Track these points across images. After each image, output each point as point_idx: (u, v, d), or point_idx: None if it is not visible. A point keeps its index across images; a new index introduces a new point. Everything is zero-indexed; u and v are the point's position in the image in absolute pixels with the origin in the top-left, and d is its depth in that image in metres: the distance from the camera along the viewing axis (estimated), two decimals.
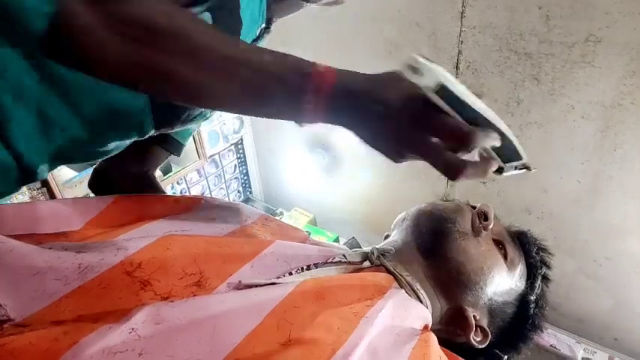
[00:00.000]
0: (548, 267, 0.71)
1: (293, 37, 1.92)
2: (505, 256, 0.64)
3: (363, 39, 1.77)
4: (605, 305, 1.78)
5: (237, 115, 2.33)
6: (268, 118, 0.49)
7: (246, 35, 0.66)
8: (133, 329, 0.35)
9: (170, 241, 0.45)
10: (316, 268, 0.53)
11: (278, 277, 0.48)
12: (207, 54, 0.45)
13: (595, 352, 1.77)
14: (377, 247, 0.61)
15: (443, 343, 0.56)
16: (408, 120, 0.44)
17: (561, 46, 1.37)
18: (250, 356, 0.37)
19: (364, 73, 0.48)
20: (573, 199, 1.62)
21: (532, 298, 0.68)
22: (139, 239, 0.45)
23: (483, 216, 0.65)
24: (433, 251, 0.60)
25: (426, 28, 1.61)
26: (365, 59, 1.80)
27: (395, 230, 0.68)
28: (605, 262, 1.68)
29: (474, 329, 0.59)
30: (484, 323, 0.61)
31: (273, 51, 0.47)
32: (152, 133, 0.65)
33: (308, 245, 0.56)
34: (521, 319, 0.67)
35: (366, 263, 0.57)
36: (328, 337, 0.41)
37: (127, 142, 0.68)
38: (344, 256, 0.56)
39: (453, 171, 0.43)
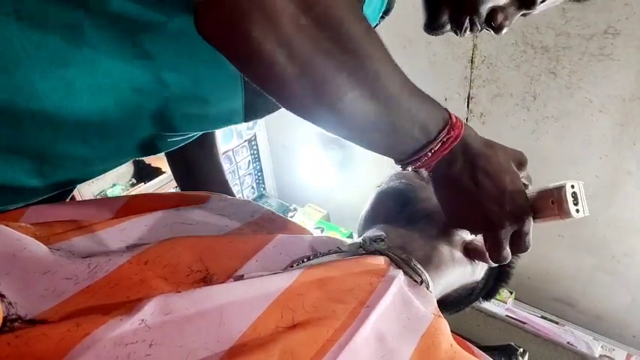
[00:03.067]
0: None
1: None
2: None
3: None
4: (623, 302, 1.76)
5: None
6: (374, 151, 0.48)
7: None
8: (142, 320, 0.35)
9: (175, 241, 0.46)
10: (316, 258, 0.54)
11: (281, 270, 0.49)
12: (380, 86, 0.43)
13: (613, 350, 1.75)
14: (368, 235, 0.62)
15: (456, 300, 0.65)
16: (512, 213, 0.50)
17: (579, 39, 1.35)
18: (256, 339, 0.38)
19: (477, 134, 0.51)
20: (591, 194, 1.58)
21: None
22: (146, 232, 0.46)
23: None
24: (409, 218, 0.64)
25: None
26: None
27: (368, 226, 0.69)
28: (624, 258, 1.66)
29: (487, 254, 0.63)
30: None
31: (416, 87, 0.46)
32: (242, 122, 0.66)
33: (309, 238, 0.57)
34: None
35: (361, 251, 0.58)
36: (332, 322, 0.42)
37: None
38: (339, 247, 0.57)
39: (501, 261, 0.52)
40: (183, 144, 0.67)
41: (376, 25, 0.68)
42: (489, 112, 1.66)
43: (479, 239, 0.66)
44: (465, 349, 0.50)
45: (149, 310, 0.36)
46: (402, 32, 1.70)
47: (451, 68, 1.66)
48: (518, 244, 0.52)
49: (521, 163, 0.53)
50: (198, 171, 0.87)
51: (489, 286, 0.72)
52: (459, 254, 0.63)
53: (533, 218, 0.52)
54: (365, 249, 0.58)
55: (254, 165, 2.57)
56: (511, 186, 0.50)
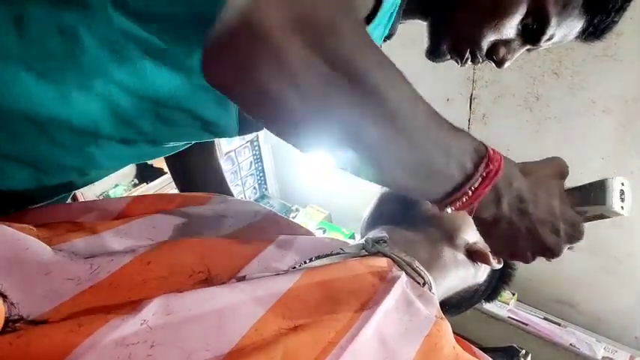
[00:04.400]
0: None
1: None
2: None
3: None
4: (626, 303, 1.75)
5: None
6: (407, 194, 0.47)
7: None
8: (144, 321, 0.35)
9: (177, 241, 0.46)
10: (318, 259, 0.53)
11: (283, 271, 0.49)
12: (402, 122, 0.39)
13: (616, 351, 1.74)
14: (370, 236, 0.62)
15: (459, 302, 0.65)
16: (569, 237, 0.51)
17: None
18: (258, 341, 0.37)
19: (517, 164, 0.48)
20: None
21: None
22: (148, 233, 0.46)
23: None
24: (412, 221, 0.64)
25: None
26: None
27: (371, 227, 0.69)
28: (626, 259, 1.65)
29: (490, 255, 0.63)
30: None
31: (445, 120, 0.43)
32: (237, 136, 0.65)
33: (311, 239, 0.57)
34: None
35: (363, 252, 0.58)
36: (334, 323, 0.42)
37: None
38: (341, 249, 0.57)
39: (555, 257, 0.52)
40: (180, 149, 0.67)
41: None
42: (492, 113, 1.66)
43: (481, 242, 0.66)
44: (467, 351, 0.50)
45: (151, 311, 0.36)
46: (403, 32, 1.70)
47: (454, 69, 1.64)
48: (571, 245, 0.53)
49: (564, 174, 0.52)
50: (198, 174, 0.87)
51: (491, 288, 0.72)
52: (461, 257, 0.63)
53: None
54: (367, 250, 0.58)
55: (256, 166, 2.57)
56: (561, 208, 0.49)
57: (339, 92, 0.36)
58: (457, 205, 0.44)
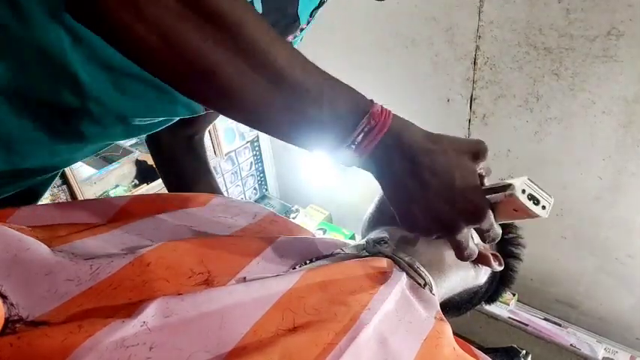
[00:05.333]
0: None
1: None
2: None
3: (379, 33, 1.76)
4: (626, 304, 1.75)
5: None
6: (300, 146, 0.45)
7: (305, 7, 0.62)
8: (144, 322, 0.35)
9: (177, 243, 0.46)
10: (318, 260, 0.53)
11: (283, 272, 0.49)
12: (263, 60, 0.39)
13: (616, 352, 1.74)
14: (371, 237, 0.61)
15: (459, 304, 0.65)
16: (465, 212, 0.45)
17: (582, 40, 1.35)
18: (256, 342, 0.37)
19: (421, 129, 0.46)
20: (594, 195, 1.59)
21: None
22: (148, 235, 0.46)
23: None
24: None
25: (442, 22, 1.59)
26: (380, 54, 1.79)
27: (372, 227, 0.69)
28: (628, 259, 1.65)
29: (491, 257, 0.62)
30: (493, 249, 0.67)
31: (330, 76, 0.43)
32: (204, 112, 0.65)
33: (311, 239, 0.57)
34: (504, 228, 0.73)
35: (364, 253, 0.58)
36: (333, 325, 0.42)
37: (176, 118, 0.68)
38: (342, 249, 0.57)
39: (467, 259, 0.49)
40: (155, 130, 0.67)
41: (315, 10, 0.65)
42: (492, 114, 1.66)
43: (481, 244, 0.66)
44: (468, 352, 0.50)
45: (150, 313, 0.36)
46: (404, 33, 1.70)
47: (454, 69, 1.66)
48: (483, 238, 0.48)
49: (478, 154, 0.46)
50: (189, 181, 0.89)
51: (492, 290, 0.72)
52: None
53: (497, 219, 0.48)
54: (368, 251, 0.58)
55: (256, 166, 2.57)
56: (462, 182, 0.44)
57: (186, 23, 0.37)
58: (344, 159, 0.44)
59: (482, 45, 1.55)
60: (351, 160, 0.44)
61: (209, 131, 2.13)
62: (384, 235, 0.61)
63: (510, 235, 0.72)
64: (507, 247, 0.72)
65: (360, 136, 0.43)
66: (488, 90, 1.62)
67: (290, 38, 0.63)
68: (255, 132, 2.42)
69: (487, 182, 0.48)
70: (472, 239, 0.49)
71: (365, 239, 0.61)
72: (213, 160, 2.22)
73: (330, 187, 2.42)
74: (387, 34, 1.74)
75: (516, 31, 1.45)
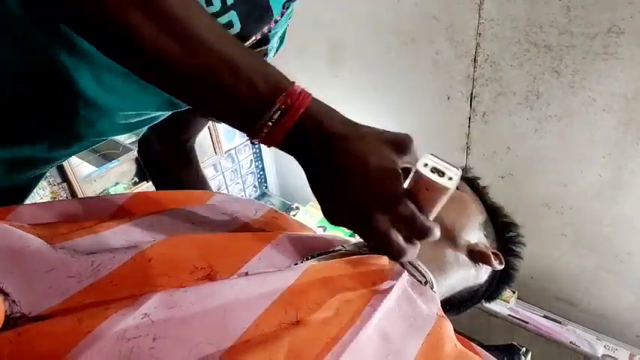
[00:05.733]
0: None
1: (306, 29, 1.91)
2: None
3: (379, 31, 1.76)
4: (626, 301, 1.75)
5: None
6: (218, 119, 0.45)
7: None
8: (146, 314, 0.35)
9: (179, 239, 0.46)
10: (320, 256, 0.53)
11: (285, 267, 0.49)
12: (178, 26, 0.40)
13: (616, 349, 1.74)
14: None
15: (459, 302, 0.65)
16: (378, 198, 0.43)
17: (582, 38, 1.35)
18: (259, 337, 0.37)
19: (344, 116, 0.45)
20: (594, 193, 1.59)
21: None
22: (149, 232, 0.46)
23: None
24: None
25: (443, 20, 1.59)
26: (381, 52, 1.79)
27: None
28: (627, 257, 1.65)
29: (492, 256, 0.63)
30: (494, 248, 0.68)
31: (254, 53, 0.43)
32: (184, 107, 0.66)
33: (312, 236, 0.57)
34: (504, 227, 0.73)
35: (365, 250, 0.58)
36: (335, 320, 0.42)
37: (162, 113, 0.68)
38: (343, 246, 0.57)
39: (395, 256, 0.47)
40: (141, 127, 0.67)
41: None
42: (492, 111, 1.66)
43: (483, 242, 0.66)
44: (469, 349, 0.50)
45: (152, 305, 0.36)
46: (404, 30, 1.70)
47: (454, 67, 1.65)
48: (410, 232, 0.45)
49: (401, 146, 0.45)
50: (182, 188, 0.90)
51: (492, 289, 0.72)
52: (463, 257, 0.63)
53: (425, 210, 0.46)
54: (369, 248, 0.58)
55: (256, 164, 2.57)
56: (376, 168, 0.43)
57: None
58: (260, 135, 0.43)
59: (482, 42, 1.55)
60: (268, 139, 0.44)
61: (209, 129, 2.13)
62: None
63: (511, 234, 0.73)
64: (508, 245, 0.72)
65: (277, 114, 0.42)
66: (488, 87, 1.62)
67: (265, 30, 0.63)
68: None
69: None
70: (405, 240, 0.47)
71: None
72: (213, 158, 2.22)
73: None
74: (388, 32, 1.74)
75: (517, 29, 1.45)
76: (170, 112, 0.69)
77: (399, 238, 0.45)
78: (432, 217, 0.47)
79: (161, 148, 0.87)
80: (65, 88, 0.53)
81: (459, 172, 0.44)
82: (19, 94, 0.52)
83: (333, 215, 0.46)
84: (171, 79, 0.43)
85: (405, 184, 0.45)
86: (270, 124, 0.42)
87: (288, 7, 0.66)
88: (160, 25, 0.40)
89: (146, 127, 0.74)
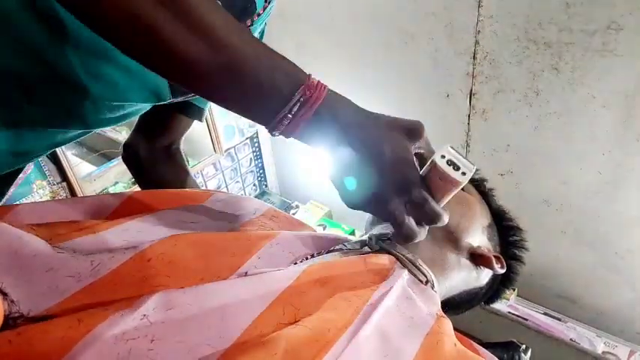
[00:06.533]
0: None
1: (305, 27, 1.91)
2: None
3: (378, 29, 1.76)
4: (626, 298, 1.75)
5: None
6: (240, 114, 0.46)
7: None
8: (144, 315, 0.35)
9: (178, 238, 0.46)
10: (320, 255, 0.53)
11: (284, 267, 0.49)
12: (202, 25, 0.41)
13: (616, 346, 1.74)
14: (374, 233, 0.61)
15: (459, 304, 0.66)
16: (394, 182, 0.46)
17: (581, 35, 1.34)
18: (257, 337, 0.38)
19: (357, 105, 0.47)
20: (594, 190, 1.59)
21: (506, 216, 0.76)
22: (148, 231, 0.46)
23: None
24: None
25: (442, 18, 1.59)
26: (380, 49, 1.79)
27: (376, 222, 0.69)
28: (627, 254, 1.65)
29: (494, 259, 0.63)
30: (496, 251, 0.68)
31: (271, 49, 0.45)
32: (169, 100, 0.66)
33: (312, 235, 0.57)
34: (507, 230, 0.74)
35: (366, 249, 0.58)
36: (334, 320, 0.42)
37: (146, 106, 0.68)
38: (344, 244, 0.57)
39: (406, 238, 0.47)
40: (126, 120, 0.67)
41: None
42: (492, 109, 1.66)
43: (485, 245, 0.66)
44: (469, 348, 0.50)
45: (151, 306, 0.36)
46: (403, 28, 1.70)
47: (453, 64, 1.65)
48: (421, 216, 0.47)
49: (414, 133, 0.47)
50: (165, 179, 0.90)
51: (492, 291, 0.72)
52: (464, 259, 0.63)
53: (436, 197, 0.48)
54: (370, 247, 0.58)
55: (256, 162, 2.57)
56: (391, 154, 0.45)
57: None
58: (280, 128, 0.45)
59: (481, 40, 1.55)
60: (287, 131, 0.46)
61: (208, 128, 2.12)
62: (387, 231, 0.61)
63: (515, 238, 0.73)
64: (511, 249, 0.72)
65: (296, 106, 0.44)
66: (487, 85, 1.62)
67: (248, 23, 0.64)
68: (255, 128, 2.42)
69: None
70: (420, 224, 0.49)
71: (367, 235, 0.61)
72: (212, 157, 2.22)
73: (330, 183, 2.42)
74: (387, 29, 1.74)
75: (516, 26, 1.45)
76: (153, 105, 0.69)
77: (412, 222, 0.47)
78: (442, 203, 0.49)
79: (147, 151, 0.87)
80: (50, 71, 0.53)
81: (473, 169, 0.47)
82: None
83: (350, 200, 0.48)
84: (194, 77, 0.44)
85: (421, 171, 0.48)
86: (290, 116, 0.44)
87: (270, 2, 0.67)
88: (186, 25, 0.40)
89: (132, 125, 0.73)
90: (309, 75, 0.46)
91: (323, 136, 0.46)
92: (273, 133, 0.46)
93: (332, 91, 0.46)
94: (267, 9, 0.67)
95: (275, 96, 0.44)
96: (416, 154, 0.48)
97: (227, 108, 0.46)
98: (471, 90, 1.67)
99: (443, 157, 0.46)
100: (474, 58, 1.59)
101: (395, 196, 0.46)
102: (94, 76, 0.56)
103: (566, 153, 1.57)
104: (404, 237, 0.48)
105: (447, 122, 1.78)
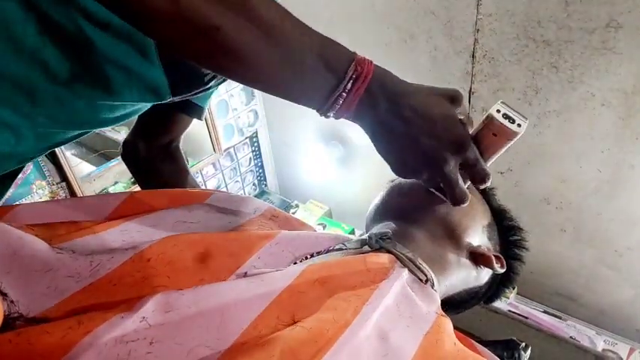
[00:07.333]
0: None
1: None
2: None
3: (377, 28, 1.75)
4: (626, 296, 1.75)
5: (251, 108, 2.33)
6: (294, 101, 0.47)
7: None
8: (143, 318, 0.35)
9: (178, 238, 0.46)
10: (319, 255, 0.53)
11: (284, 267, 0.49)
12: (262, 19, 0.42)
13: (616, 344, 1.75)
14: (374, 232, 0.61)
15: (458, 303, 0.66)
16: (448, 143, 0.47)
17: (581, 33, 1.34)
18: (256, 337, 0.38)
19: (398, 77, 0.49)
20: (593, 188, 1.59)
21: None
22: (148, 232, 0.46)
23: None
24: (419, 217, 0.63)
25: (441, 16, 1.59)
26: (379, 48, 1.78)
27: (377, 220, 0.69)
28: (627, 251, 1.65)
29: (494, 259, 0.63)
30: (497, 250, 0.68)
31: (317, 32, 0.46)
32: (169, 99, 0.66)
33: (312, 234, 0.57)
34: (508, 230, 0.74)
35: (366, 248, 0.58)
36: (333, 319, 0.42)
37: (146, 105, 0.68)
38: (344, 244, 0.57)
39: (460, 200, 0.50)
40: (124, 121, 0.67)
41: None
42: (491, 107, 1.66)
43: (485, 245, 0.65)
44: (469, 347, 0.50)
45: (150, 308, 0.36)
46: (403, 27, 1.70)
47: (453, 63, 1.65)
48: (472, 175, 0.50)
49: (454, 99, 0.50)
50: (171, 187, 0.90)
51: (492, 291, 0.72)
52: (464, 259, 0.63)
53: (485, 156, 0.51)
54: (370, 246, 0.58)
55: (255, 162, 2.57)
56: (441, 116, 0.48)
57: None
58: (336, 108, 0.46)
59: (480, 38, 1.55)
60: (342, 109, 0.47)
61: (208, 128, 2.12)
62: (387, 230, 0.61)
63: (515, 237, 0.72)
64: (511, 248, 0.72)
65: (350, 82, 0.45)
66: (487, 83, 1.62)
67: None
68: (255, 128, 2.42)
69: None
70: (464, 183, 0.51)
71: (367, 234, 0.61)
72: (212, 157, 2.22)
73: (330, 183, 2.42)
74: (386, 28, 1.74)
75: (515, 24, 1.45)
76: (152, 104, 0.69)
77: (464, 185, 0.50)
78: (489, 163, 0.52)
79: (146, 149, 0.87)
80: (50, 74, 0.53)
81: (527, 121, 0.49)
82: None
83: (405, 168, 0.50)
84: (256, 69, 0.45)
85: (470, 131, 0.50)
86: (345, 94, 0.46)
87: None
88: (249, 21, 0.42)
89: (131, 125, 0.73)
90: (355, 52, 0.47)
91: (375, 110, 0.47)
92: (328, 114, 0.48)
93: (377, 65, 0.48)
94: None
95: (330, 74, 0.45)
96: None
97: (282, 96, 0.47)
98: (471, 88, 1.67)
99: (498, 111, 0.49)
100: (474, 56, 1.59)
101: (451, 157, 0.48)
102: (94, 76, 0.56)
103: (565, 151, 1.57)
104: (458, 199, 0.50)
105: None
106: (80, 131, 0.65)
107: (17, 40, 0.50)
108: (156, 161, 0.88)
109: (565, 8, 1.33)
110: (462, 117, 0.50)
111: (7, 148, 0.58)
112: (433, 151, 0.48)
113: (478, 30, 1.53)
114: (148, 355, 0.34)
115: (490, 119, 0.49)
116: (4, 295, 0.37)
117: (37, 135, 0.60)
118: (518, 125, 0.49)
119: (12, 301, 0.36)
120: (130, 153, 0.88)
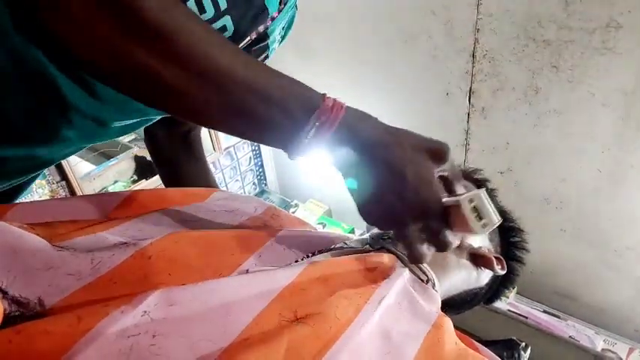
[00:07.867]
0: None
1: (305, 26, 1.91)
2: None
3: (377, 28, 1.75)
4: (625, 295, 1.75)
5: None
6: (257, 142, 0.46)
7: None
8: (145, 312, 0.35)
9: (179, 235, 0.46)
10: (321, 254, 0.53)
11: (285, 265, 0.49)
12: (202, 65, 0.40)
13: (615, 343, 1.75)
14: (375, 232, 0.62)
15: (459, 304, 0.66)
16: (414, 207, 0.44)
17: (581, 33, 1.34)
18: (259, 334, 0.37)
19: (381, 122, 0.46)
20: (593, 188, 1.59)
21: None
22: (149, 231, 0.46)
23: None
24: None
25: (441, 16, 1.59)
26: (379, 48, 1.78)
27: None
28: (626, 251, 1.65)
29: (494, 261, 0.63)
30: (497, 252, 0.68)
31: (281, 74, 0.43)
32: None
33: (313, 233, 0.57)
34: (509, 231, 0.74)
35: (367, 247, 0.58)
36: (335, 317, 0.42)
37: (155, 117, 0.69)
38: (345, 243, 0.57)
39: (417, 261, 0.47)
40: (134, 130, 0.67)
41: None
42: (491, 107, 1.66)
43: (486, 246, 0.66)
44: (469, 347, 0.50)
45: (152, 302, 0.36)
46: (402, 27, 1.70)
47: (452, 62, 1.65)
48: (430, 243, 0.46)
49: (439, 155, 0.45)
50: (186, 177, 0.90)
51: (492, 292, 0.72)
52: (465, 260, 0.63)
53: (453, 229, 0.46)
54: (371, 245, 0.58)
55: (255, 161, 2.57)
56: (414, 177, 0.43)
57: (121, 31, 0.37)
58: (299, 152, 0.44)
59: (481, 38, 1.54)
60: (307, 153, 0.45)
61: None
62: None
63: (515, 239, 0.73)
64: (511, 250, 0.72)
65: (312, 131, 0.43)
66: (487, 83, 1.62)
67: (261, 29, 0.63)
68: None
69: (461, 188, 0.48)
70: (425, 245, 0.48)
71: (368, 234, 0.61)
72: (212, 156, 2.22)
73: (330, 182, 2.42)
74: (386, 28, 1.73)
75: (515, 24, 1.45)
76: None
77: (424, 246, 0.46)
78: (458, 235, 0.48)
79: (165, 136, 0.88)
80: (57, 99, 0.52)
81: (497, 223, 0.45)
82: (11, 99, 0.52)
83: (368, 216, 0.47)
84: (204, 116, 0.43)
85: (444, 198, 0.45)
86: (306, 140, 0.43)
87: (286, 3, 0.66)
88: (186, 70, 0.39)
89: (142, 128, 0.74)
90: (324, 96, 0.44)
91: (342, 154, 0.45)
92: (292, 157, 0.46)
93: (351, 108, 0.45)
94: (284, 11, 0.65)
95: (289, 125, 0.43)
96: (440, 176, 0.47)
97: (245, 139, 0.46)
98: (471, 88, 1.66)
99: (471, 201, 0.44)
100: (474, 56, 1.59)
101: (412, 221, 0.45)
102: (103, 101, 0.55)
103: (565, 151, 1.57)
104: (413, 259, 0.47)
105: (447, 120, 1.78)
106: (91, 143, 0.66)
107: (35, 71, 0.50)
108: (174, 149, 0.89)
109: (565, 8, 1.33)
110: (445, 173, 0.47)
111: (32, 163, 0.60)
112: (395, 211, 0.45)
113: (478, 30, 1.53)
114: (150, 348, 0.33)
115: (458, 205, 0.44)
116: (5, 293, 0.36)
117: (58, 148, 0.60)
118: (483, 225, 0.44)
119: (13, 298, 0.36)
120: (150, 139, 0.90)
